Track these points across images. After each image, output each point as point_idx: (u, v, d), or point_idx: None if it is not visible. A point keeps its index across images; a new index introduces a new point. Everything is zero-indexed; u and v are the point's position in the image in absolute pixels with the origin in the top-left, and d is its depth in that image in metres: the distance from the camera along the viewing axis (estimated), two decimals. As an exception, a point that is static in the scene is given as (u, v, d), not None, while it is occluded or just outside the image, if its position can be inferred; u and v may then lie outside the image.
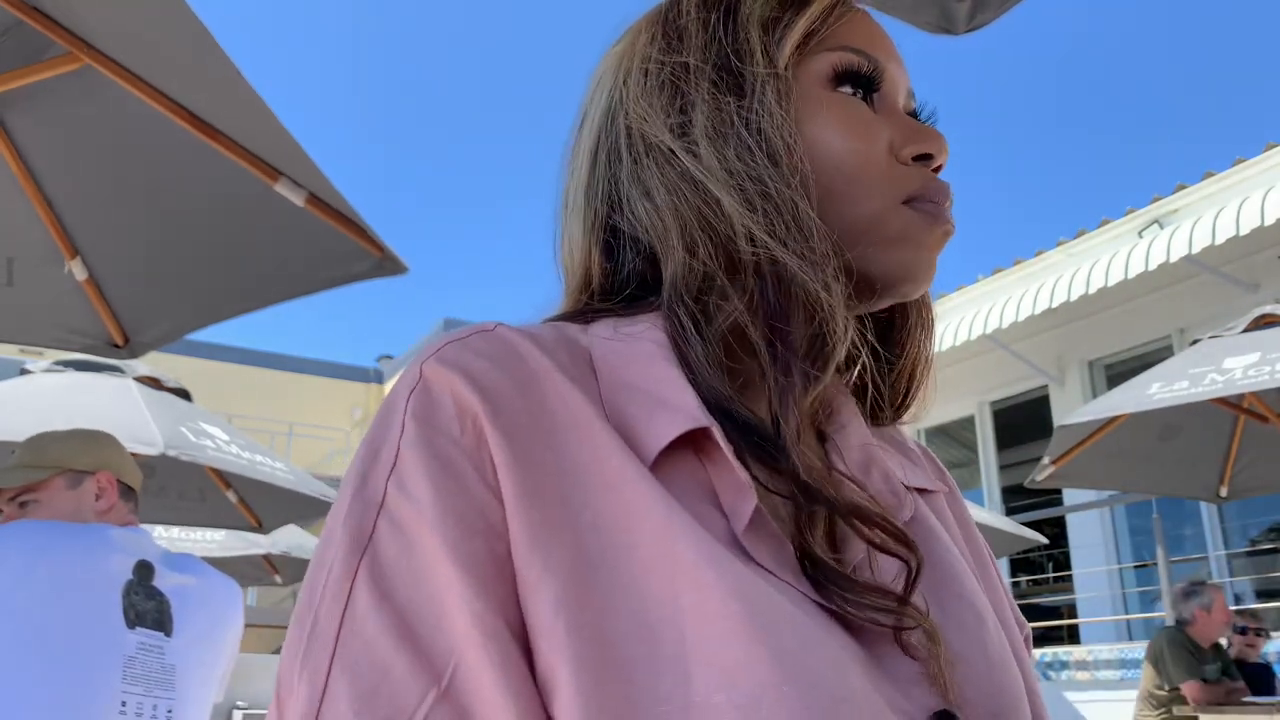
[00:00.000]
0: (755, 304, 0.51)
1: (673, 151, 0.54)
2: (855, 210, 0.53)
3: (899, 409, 0.63)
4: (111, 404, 2.86)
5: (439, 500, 0.43)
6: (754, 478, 0.47)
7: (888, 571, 0.49)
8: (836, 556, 0.50)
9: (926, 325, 0.62)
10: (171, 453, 2.65)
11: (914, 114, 0.59)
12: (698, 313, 0.51)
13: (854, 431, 0.57)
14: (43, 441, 1.83)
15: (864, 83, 0.56)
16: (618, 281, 0.57)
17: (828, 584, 0.45)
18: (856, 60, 0.55)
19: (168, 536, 5.42)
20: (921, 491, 0.60)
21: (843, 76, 0.55)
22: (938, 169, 0.56)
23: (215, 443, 2.97)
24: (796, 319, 0.50)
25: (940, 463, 0.68)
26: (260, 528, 3.94)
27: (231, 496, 3.79)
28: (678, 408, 0.48)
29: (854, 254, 0.53)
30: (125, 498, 1.86)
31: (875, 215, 0.53)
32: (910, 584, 0.47)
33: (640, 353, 0.51)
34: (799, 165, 0.52)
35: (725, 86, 0.54)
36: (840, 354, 0.50)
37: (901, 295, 0.55)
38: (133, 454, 2.04)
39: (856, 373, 0.63)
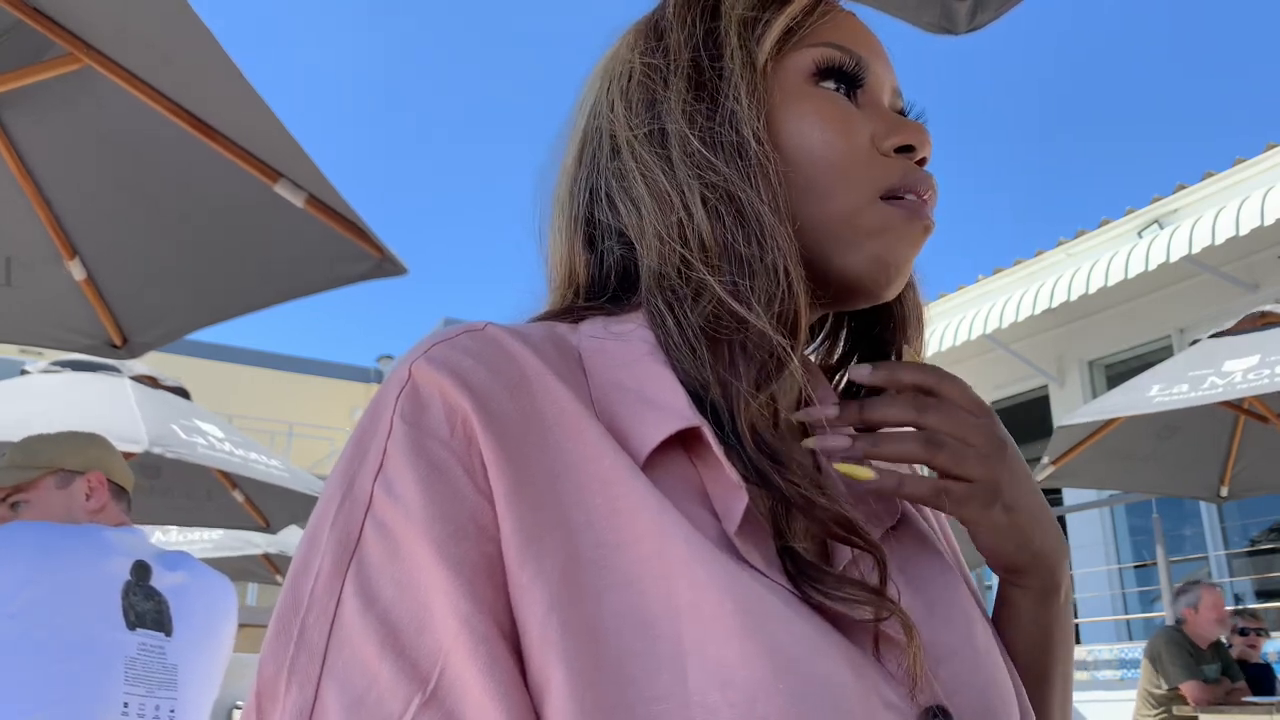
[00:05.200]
0: (713, 311, 0.51)
1: (643, 152, 0.55)
2: (833, 204, 0.53)
3: None
4: (100, 402, 2.86)
5: (427, 503, 0.43)
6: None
7: (866, 567, 0.49)
8: (807, 547, 0.50)
9: (918, 329, 0.62)
10: (157, 450, 2.64)
11: (902, 113, 0.59)
12: (675, 304, 0.51)
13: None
14: (33, 442, 1.82)
15: (846, 79, 0.56)
16: (602, 275, 0.58)
17: (804, 576, 0.46)
18: (839, 56, 0.56)
19: (166, 540, 5.41)
20: None
21: (825, 72, 0.55)
22: (921, 162, 0.56)
23: (208, 441, 2.96)
24: (749, 330, 0.50)
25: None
26: (268, 527, 3.94)
27: (238, 496, 3.79)
28: (667, 407, 0.48)
29: (832, 249, 0.54)
30: (117, 498, 1.85)
31: (853, 209, 0.53)
32: (882, 576, 0.47)
33: (630, 352, 0.51)
34: (765, 161, 0.52)
35: (699, 85, 0.55)
36: (790, 366, 0.50)
37: (878, 291, 0.55)
38: (124, 452, 2.03)
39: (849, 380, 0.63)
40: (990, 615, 0.60)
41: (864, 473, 0.52)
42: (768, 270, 0.50)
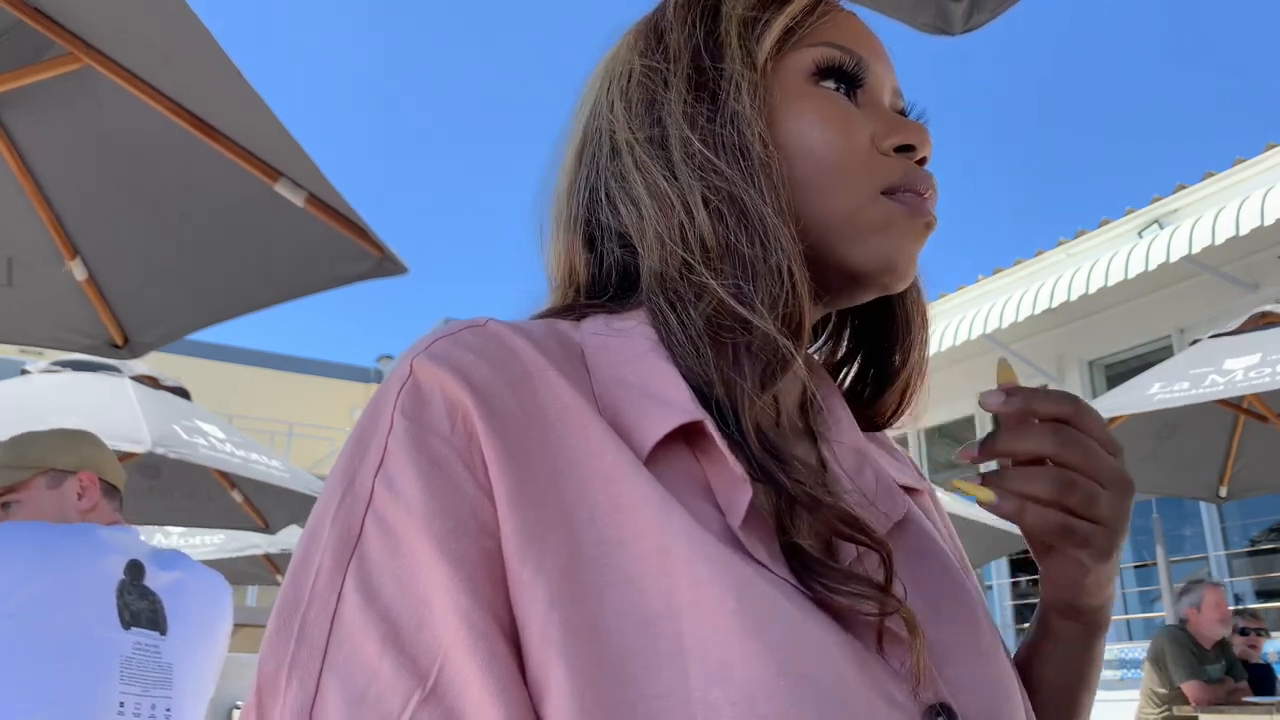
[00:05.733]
0: (714, 309, 0.51)
1: (644, 152, 0.55)
2: (835, 202, 0.53)
3: (894, 415, 0.63)
4: (102, 402, 2.86)
5: (428, 499, 0.43)
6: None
7: (871, 565, 0.49)
8: (812, 544, 0.50)
9: (923, 334, 0.62)
10: (160, 450, 2.64)
11: (902, 113, 0.59)
12: (676, 304, 0.51)
13: (846, 431, 0.57)
14: (23, 441, 1.81)
15: (846, 78, 0.56)
16: (602, 274, 0.58)
17: (808, 571, 0.45)
18: (838, 55, 0.56)
19: (167, 541, 5.41)
20: (910, 491, 0.60)
21: (824, 72, 0.56)
22: (922, 161, 0.56)
23: (209, 441, 2.96)
24: (752, 328, 0.50)
25: (915, 462, 0.68)
26: (267, 528, 3.94)
27: (237, 497, 3.79)
28: (670, 402, 0.48)
29: (835, 246, 0.54)
30: (108, 496, 1.84)
31: (854, 206, 0.53)
32: (888, 573, 0.47)
33: (633, 348, 0.51)
34: (768, 160, 0.52)
35: (699, 85, 0.55)
36: (794, 363, 0.50)
37: (883, 288, 0.55)
38: (126, 452, 2.01)
39: (853, 378, 0.63)
40: (1031, 640, 0.61)
41: (984, 493, 0.50)
42: (771, 271, 0.50)
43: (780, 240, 0.51)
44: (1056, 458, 0.50)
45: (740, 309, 0.50)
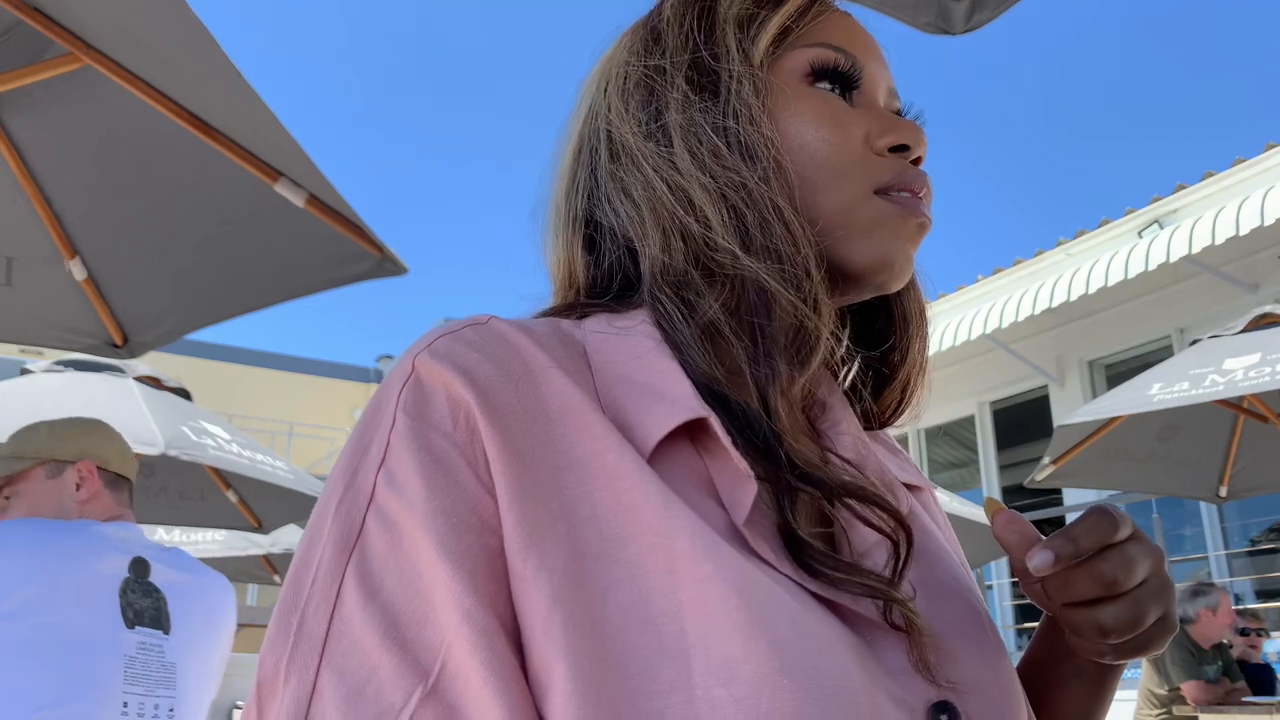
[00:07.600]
0: (733, 300, 0.51)
1: (646, 150, 0.55)
2: (829, 200, 0.53)
3: (895, 413, 0.63)
4: (112, 404, 2.85)
5: (430, 495, 0.43)
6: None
7: (877, 564, 0.49)
8: (824, 531, 0.50)
9: (922, 330, 0.62)
10: (173, 452, 2.64)
11: (898, 113, 0.59)
12: (680, 302, 0.51)
13: (847, 429, 0.57)
14: (25, 433, 1.79)
15: (841, 79, 0.56)
16: (601, 275, 0.58)
17: (816, 566, 0.45)
18: (833, 56, 0.56)
19: (169, 539, 5.41)
20: (911, 489, 0.60)
21: (819, 72, 0.56)
22: (916, 161, 0.56)
23: (216, 442, 2.97)
24: (776, 314, 0.50)
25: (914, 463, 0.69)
26: (260, 528, 3.94)
27: (231, 496, 3.79)
28: (674, 399, 0.48)
29: (829, 244, 0.54)
30: (113, 487, 1.80)
31: (848, 205, 0.53)
32: (899, 565, 0.47)
33: (635, 346, 0.51)
34: (777, 160, 0.52)
35: (699, 84, 0.55)
36: (824, 344, 0.50)
37: (878, 287, 0.55)
38: (134, 454, 2.00)
39: (852, 377, 0.63)
40: (1043, 655, 0.61)
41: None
42: (790, 261, 0.50)
43: (794, 233, 0.51)
44: (1123, 588, 0.49)
45: (766, 283, 0.50)
